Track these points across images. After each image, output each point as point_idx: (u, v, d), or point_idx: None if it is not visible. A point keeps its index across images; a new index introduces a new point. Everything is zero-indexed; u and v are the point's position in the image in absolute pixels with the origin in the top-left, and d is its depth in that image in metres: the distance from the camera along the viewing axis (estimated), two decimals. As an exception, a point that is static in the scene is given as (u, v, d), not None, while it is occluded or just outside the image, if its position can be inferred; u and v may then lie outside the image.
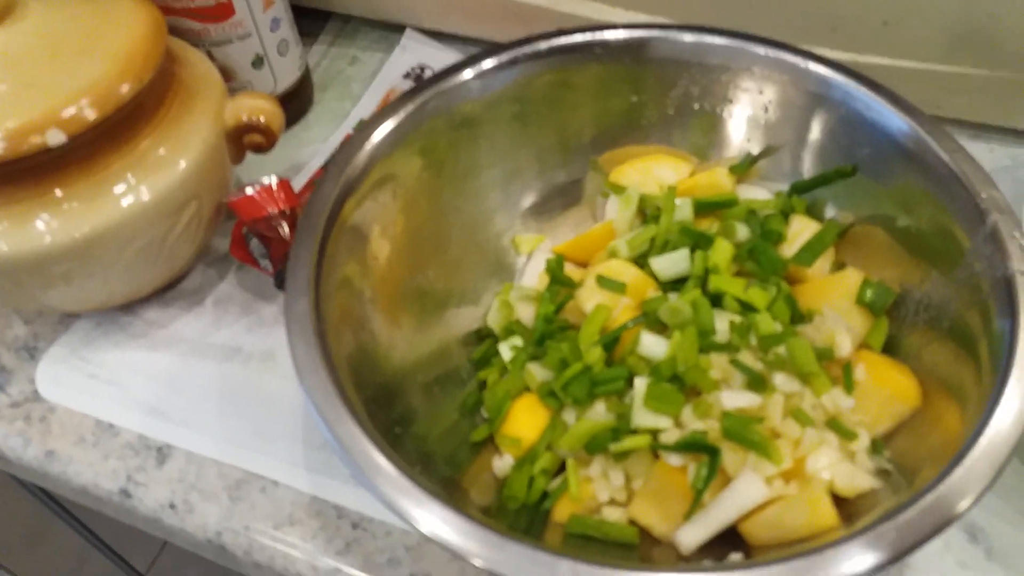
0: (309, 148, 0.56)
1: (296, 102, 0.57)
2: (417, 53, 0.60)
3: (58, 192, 0.39)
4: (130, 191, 0.40)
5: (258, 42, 0.52)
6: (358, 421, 0.32)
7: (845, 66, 0.41)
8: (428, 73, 0.59)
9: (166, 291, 0.49)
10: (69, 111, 0.37)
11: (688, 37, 0.43)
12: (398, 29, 0.61)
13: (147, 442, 0.43)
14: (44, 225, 0.39)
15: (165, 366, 0.46)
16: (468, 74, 0.43)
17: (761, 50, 0.43)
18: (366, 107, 0.57)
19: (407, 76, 0.59)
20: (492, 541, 0.28)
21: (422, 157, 0.42)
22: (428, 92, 0.42)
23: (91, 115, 0.38)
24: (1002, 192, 0.36)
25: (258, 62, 0.52)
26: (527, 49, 0.43)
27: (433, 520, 0.29)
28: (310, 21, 0.64)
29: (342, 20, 0.64)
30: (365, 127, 0.40)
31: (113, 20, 0.41)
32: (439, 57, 0.59)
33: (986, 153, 0.51)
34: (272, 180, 0.45)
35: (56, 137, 0.37)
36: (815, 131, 0.42)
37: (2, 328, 0.48)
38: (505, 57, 0.43)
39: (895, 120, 0.39)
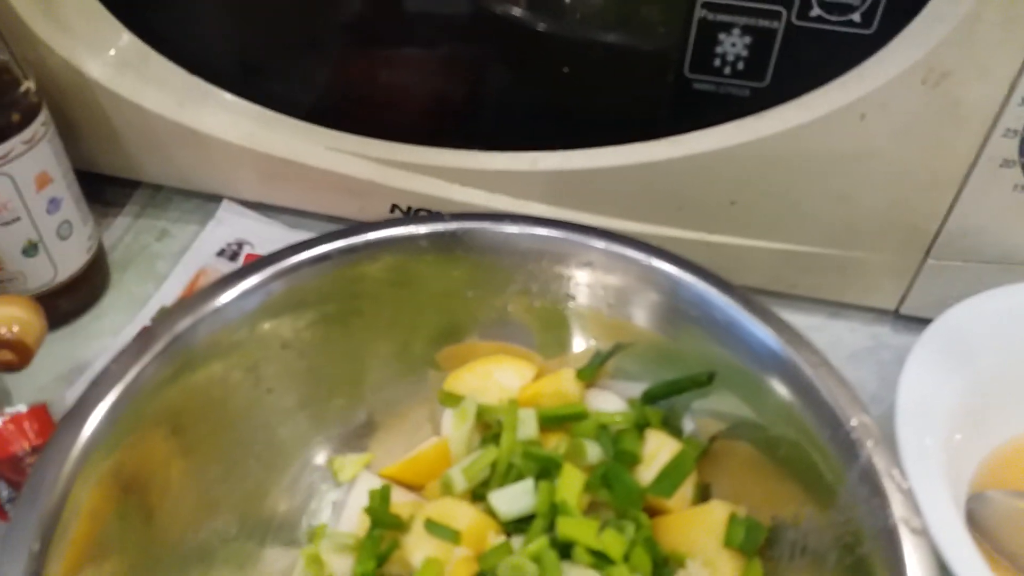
0: (98, 343, 0.47)
1: (84, 289, 0.49)
2: (235, 227, 0.53)
3: None
4: None
5: (30, 226, 0.44)
6: None
7: (695, 264, 0.37)
8: (248, 250, 0.52)
9: None
10: None
11: (511, 228, 0.38)
12: (217, 199, 0.55)
13: None
14: None
15: None
16: (230, 295, 0.35)
17: (599, 243, 0.38)
18: (170, 291, 0.50)
19: (221, 254, 0.52)
20: None
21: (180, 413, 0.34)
22: (179, 327, 0.33)
23: None
24: (872, 416, 0.31)
25: (31, 249, 0.44)
26: (301, 257, 0.36)
27: None
28: (116, 189, 0.56)
29: (153, 188, 0.57)
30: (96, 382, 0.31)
31: None
32: (261, 231, 0.53)
33: (847, 333, 0.49)
34: (21, 408, 0.36)
35: None
36: (665, 332, 0.38)
37: None
38: (270, 271, 0.36)
39: (752, 327, 0.35)
